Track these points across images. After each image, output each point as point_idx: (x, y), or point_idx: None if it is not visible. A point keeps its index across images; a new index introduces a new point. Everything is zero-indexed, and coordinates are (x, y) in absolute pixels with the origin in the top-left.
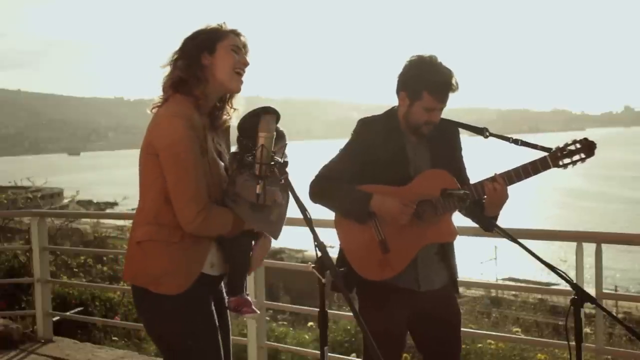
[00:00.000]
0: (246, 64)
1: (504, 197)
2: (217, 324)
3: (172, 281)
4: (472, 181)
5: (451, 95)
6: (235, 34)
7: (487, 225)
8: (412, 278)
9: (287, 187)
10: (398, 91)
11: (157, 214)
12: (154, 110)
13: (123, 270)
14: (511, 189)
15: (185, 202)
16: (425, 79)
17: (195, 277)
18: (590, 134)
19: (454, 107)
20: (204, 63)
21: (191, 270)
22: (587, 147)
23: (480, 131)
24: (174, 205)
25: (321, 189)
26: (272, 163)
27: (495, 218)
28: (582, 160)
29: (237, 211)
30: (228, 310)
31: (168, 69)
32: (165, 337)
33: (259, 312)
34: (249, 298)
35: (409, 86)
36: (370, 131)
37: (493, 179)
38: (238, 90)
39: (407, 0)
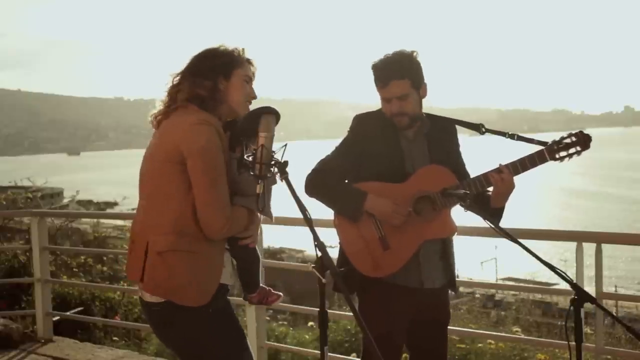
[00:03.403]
0: (255, 97)
1: (511, 187)
2: (244, 332)
3: (195, 292)
4: (472, 176)
5: (397, 82)
6: (249, 62)
7: (489, 218)
8: (415, 276)
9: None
10: None
11: (179, 224)
12: (158, 118)
13: (141, 283)
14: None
15: (215, 212)
16: (373, 73)
17: (216, 287)
18: (591, 134)
19: (455, 107)
20: (220, 87)
21: (212, 282)
22: (583, 140)
23: (477, 127)
24: (202, 212)
25: (317, 184)
26: (272, 163)
27: (502, 210)
28: (578, 153)
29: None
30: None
31: (173, 78)
32: (195, 349)
33: (281, 294)
34: (265, 287)
35: None
36: (365, 127)
37: (499, 170)
38: None
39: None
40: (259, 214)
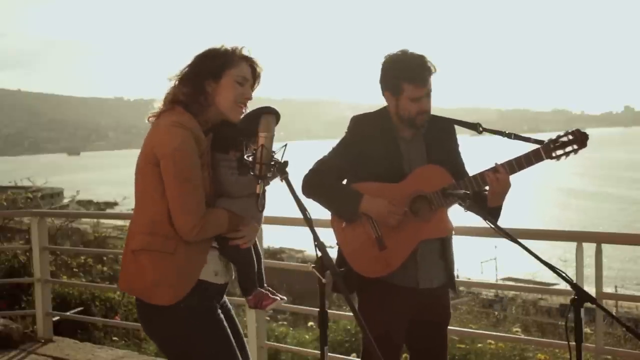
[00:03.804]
0: (249, 98)
1: (507, 186)
2: (227, 331)
3: (164, 292)
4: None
5: (432, 78)
6: (248, 62)
7: (489, 218)
8: (412, 276)
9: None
10: (383, 93)
11: (154, 224)
12: (151, 119)
13: (118, 279)
14: (511, 189)
15: (185, 214)
16: (400, 72)
17: (190, 287)
18: (590, 134)
19: (455, 107)
20: (207, 90)
21: (185, 281)
22: (580, 139)
23: (474, 127)
24: (172, 215)
25: (314, 184)
26: (272, 163)
27: (499, 209)
28: (575, 151)
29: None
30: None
31: (173, 80)
32: (172, 345)
33: (279, 298)
34: (264, 290)
35: (388, 85)
36: (363, 128)
37: (495, 169)
38: (237, 121)
39: (408, 0)
40: (254, 215)
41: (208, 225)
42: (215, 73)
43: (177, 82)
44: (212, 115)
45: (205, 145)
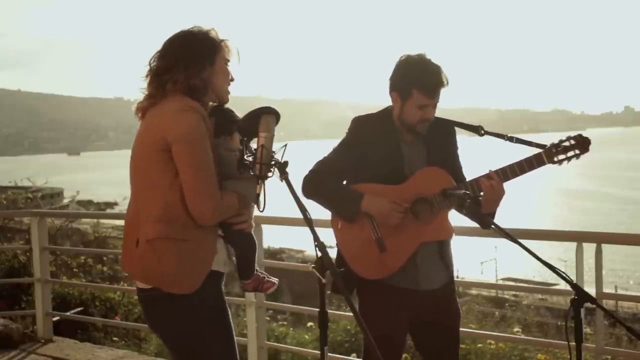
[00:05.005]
0: (233, 79)
1: (500, 194)
2: (232, 326)
3: (184, 280)
4: (467, 179)
5: (442, 91)
6: (225, 44)
7: (485, 223)
8: (411, 277)
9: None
10: (390, 92)
11: (168, 212)
12: (143, 109)
13: (132, 272)
14: (511, 189)
15: (203, 199)
16: (414, 78)
17: (205, 275)
18: (590, 134)
19: (455, 107)
20: (204, 75)
21: (202, 269)
22: (582, 144)
23: (476, 129)
24: (189, 200)
25: (314, 186)
26: (272, 163)
27: (493, 215)
28: (577, 156)
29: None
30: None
31: (157, 67)
32: (182, 338)
33: (276, 280)
34: (260, 273)
35: (398, 86)
36: (364, 129)
37: (488, 176)
38: (227, 102)
39: (407, 0)
40: (253, 198)
41: (224, 208)
42: (210, 58)
43: (180, 70)
44: (209, 100)
45: (211, 128)
